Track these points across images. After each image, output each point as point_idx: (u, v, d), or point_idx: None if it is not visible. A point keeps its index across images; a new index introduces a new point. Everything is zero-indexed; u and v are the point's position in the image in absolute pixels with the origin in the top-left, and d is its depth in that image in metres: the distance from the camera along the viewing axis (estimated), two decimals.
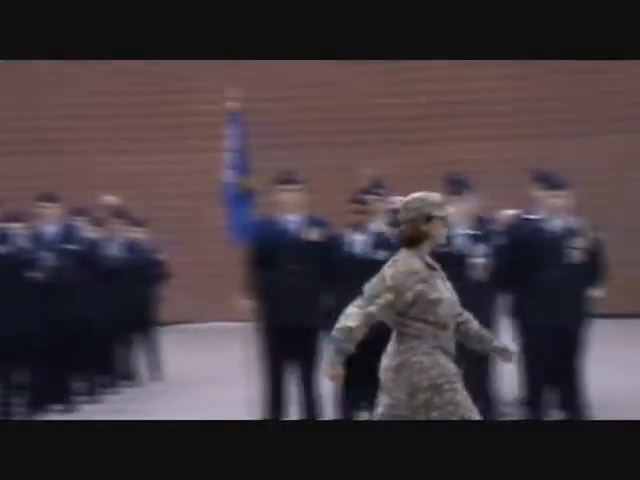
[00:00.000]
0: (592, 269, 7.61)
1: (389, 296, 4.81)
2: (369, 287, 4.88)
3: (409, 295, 4.82)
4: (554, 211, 7.54)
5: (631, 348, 12.84)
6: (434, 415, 4.84)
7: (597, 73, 15.86)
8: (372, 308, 4.81)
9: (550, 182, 7.63)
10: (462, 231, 7.18)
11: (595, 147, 16.38)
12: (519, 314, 7.65)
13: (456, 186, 7.21)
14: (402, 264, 4.87)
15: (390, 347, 4.97)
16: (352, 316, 4.82)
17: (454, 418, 4.83)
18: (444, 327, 4.91)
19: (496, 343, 5.20)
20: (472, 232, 7.18)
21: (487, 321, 7.26)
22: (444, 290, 4.93)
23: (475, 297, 7.07)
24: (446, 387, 4.86)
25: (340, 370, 4.91)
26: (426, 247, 4.93)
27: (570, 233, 7.50)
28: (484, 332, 5.17)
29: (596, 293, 7.79)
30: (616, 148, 16.40)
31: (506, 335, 7.82)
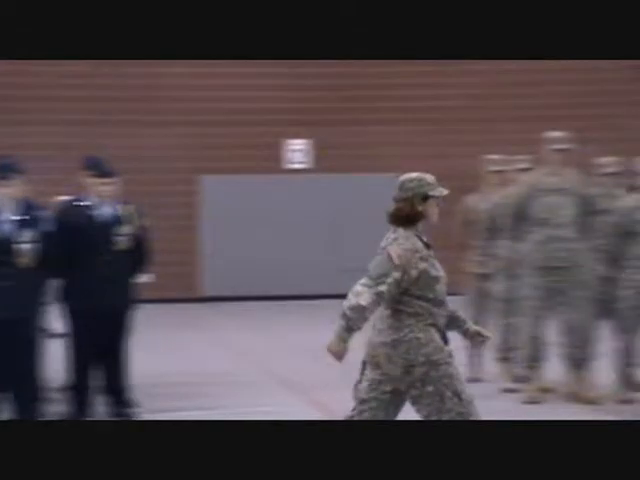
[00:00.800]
0: (138, 255, 7.88)
1: (397, 274, 4.91)
2: (374, 266, 4.93)
3: (414, 273, 4.95)
4: (103, 198, 7.74)
5: (180, 332, 13.33)
6: (429, 390, 4.96)
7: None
8: (382, 287, 4.88)
9: (99, 170, 7.79)
10: (9, 216, 7.10)
11: (145, 138, 16.79)
12: (67, 298, 7.74)
13: (2, 170, 7.12)
14: (405, 242, 5.00)
15: (381, 324, 5.04)
16: (363, 295, 4.85)
17: (448, 392, 4.95)
18: (440, 304, 5.05)
19: (469, 326, 5.29)
20: (19, 217, 7.12)
21: (35, 306, 7.27)
22: (440, 268, 5.10)
23: (23, 282, 7.06)
24: (441, 362, 4.99)
25: (346, 348, 4.88)
26: (420, 226, 5.09)
27: (117, 220, 7.73)
28: (459, 314, 5.26)
29: (143, 278, 8.08)
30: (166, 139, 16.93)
31: (56, 320, 7.86)
